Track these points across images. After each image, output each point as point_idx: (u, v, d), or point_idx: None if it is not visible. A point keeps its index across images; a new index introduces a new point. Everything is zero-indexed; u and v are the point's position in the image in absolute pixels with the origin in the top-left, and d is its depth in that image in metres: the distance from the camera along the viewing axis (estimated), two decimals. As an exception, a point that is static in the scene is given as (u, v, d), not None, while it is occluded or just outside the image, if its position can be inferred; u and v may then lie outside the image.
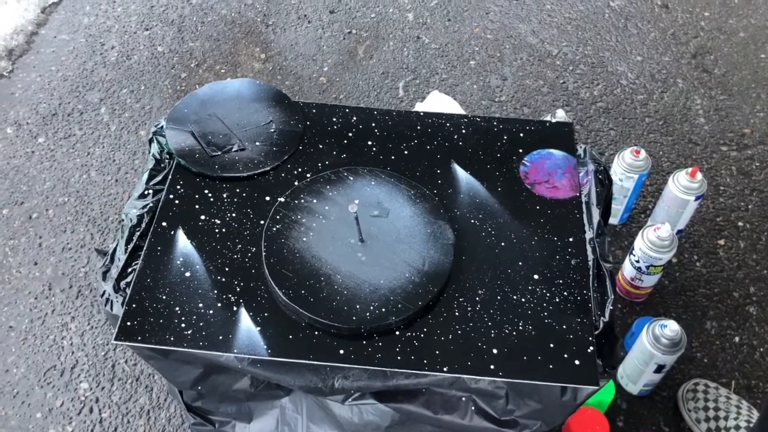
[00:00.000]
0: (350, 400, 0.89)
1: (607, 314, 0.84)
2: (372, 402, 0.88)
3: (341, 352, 0.83)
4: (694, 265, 1.58)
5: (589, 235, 0.92)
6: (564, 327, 0.83)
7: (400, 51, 2.07)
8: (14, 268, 1.61)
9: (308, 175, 1.00)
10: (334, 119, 1.08)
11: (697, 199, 1.47)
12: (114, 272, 0.88)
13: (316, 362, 0.83)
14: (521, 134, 1.07)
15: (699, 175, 1.46)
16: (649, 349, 1.26)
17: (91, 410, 1.40)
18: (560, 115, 1.49)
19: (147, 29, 2.17)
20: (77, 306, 1.55)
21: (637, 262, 1.42)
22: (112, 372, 1.44)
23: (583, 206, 0.95)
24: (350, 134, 1.06)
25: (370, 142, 1.05)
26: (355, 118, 1.08)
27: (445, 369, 0.80)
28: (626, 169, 1.53)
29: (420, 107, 1.78)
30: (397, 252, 0.91)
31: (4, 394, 1.42)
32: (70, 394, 1.42)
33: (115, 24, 2.18)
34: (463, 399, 0.87)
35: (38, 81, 2.02)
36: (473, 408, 0.87)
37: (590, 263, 0.89)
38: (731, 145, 1.81)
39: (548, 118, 1.49)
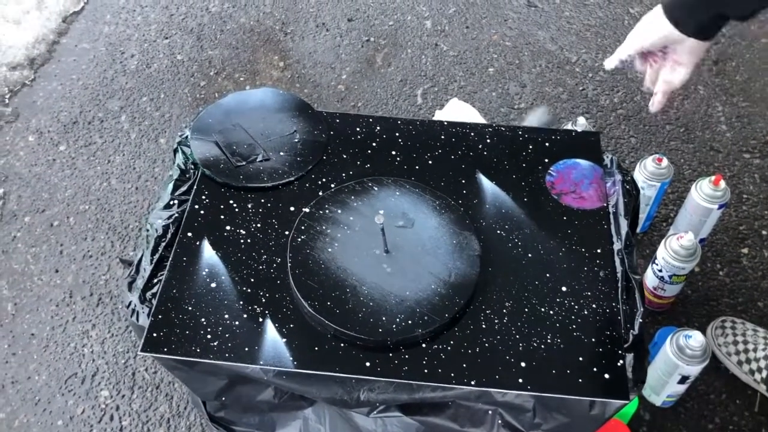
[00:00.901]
0: (375, 412, 0.88)
1: (636, 327, 0.82)
2: (397, 415, 0.88)
3: (367, 364, 0.82)
4: (717, 274, 1.56)
5: (617, 246, 0.91)
6: (593, 340, 0.82)
7: (419, 58, 2.07)
8: (36, 276, 1.62)
9: (332, 186, 1.00)
10: (358, 129, 1.08)
11: (720, 207, 1.46)
12: (140, 283, 0.89)
13: (342, 374, 0.82)
14: (547, 144, 1.06)
15: (722, 183, 1.44)
16: (673, 360, 1.24)
17: (111, 418, 1.40)
18: (581, 123, 1.48)
19: (166, 38, 2.18)
20: (98, 314, 1.55)
21: (660, 271, 1.41)
22: (132, 380, 1.45)
23: (611, 217, 0.94)
24: (374, 144, 1.06)
25: (394, 152, 1.05)
26: (378, 128, 1.08)
27: (472, 382, 0.80)
28: (648, 177, 1.52)
29: (439, 115, 1.78)
30: (422, 263, 0.90)
31: (26, 402, 1.42)
32: (90, 401, 1.42)
33: (135, 33, 2.20)
34: (490, 412, 0.86)
35: (59, 89, 2.04)
36: (500, 421, 0.86)
37: (619, 275, 0.88)
38: (754, 153, 1.79)
39: (569, 125, 1.48)
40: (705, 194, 1.45)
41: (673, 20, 0.92)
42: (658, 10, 0.94)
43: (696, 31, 0.93)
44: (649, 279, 1.45)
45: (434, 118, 1.69)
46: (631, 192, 0.96)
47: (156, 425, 1.38)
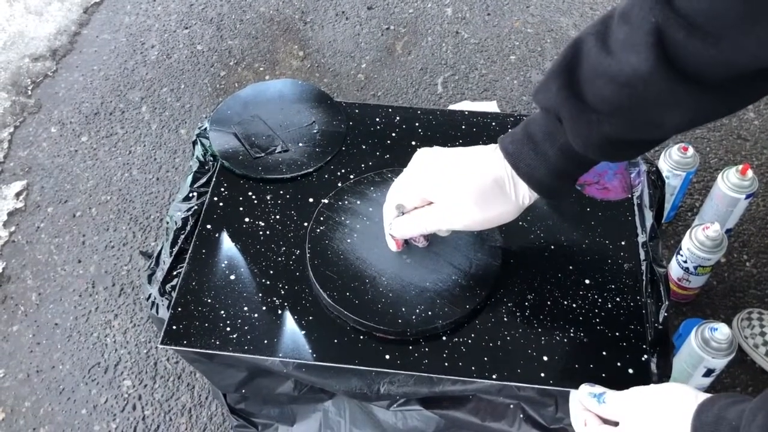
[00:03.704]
0: (395, 405, 0.87)
1: (661, 321, 0.81)
2: (417, 408, 0.87)
3: (387, 357, 0.81)
4: (743, 265, 1.54)
5: (641, 238, 0.89)
6: (617, 334, 0.81)
7: (439, 46, 2.05)
8: (59, 266, 1.63)
9: (351, 176, 0.99)
10: (377, 119, 1.07)
11: (747, 197, 1.43)
12: (159, 275, 0.88)
13: (361, 367, 0.81)
14: (569, 134, 1.04)
15: (750, 173, 1.41)
16: (698, 352, 1.22)
17: (134, 407, 1.41)
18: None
19: (186, 28, 2.18)
20: (120, 304, 1.56)
21: (685, 262, 1.39)
22: (154, 370, 1.46)
23: (636, 208, 0.92)
24: (393, 134, 1.05)
25: (414, 142, 1.03)
26: (398, 118, 1.07)
27: (494, 376, 0.78)
28: (673, 166, 1.49)
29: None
30: (442, 254, 0.89)
31: (50, 390, 1.44)
32: (113, 391, 1.43)
33: (155, 23, 2.20)
34: (511, 406, 0.85)
35: (81, 80, 2.05)
36: (522, 416, 0.85)
37: (643, 268, 0.86)
38: (783, 141, 1.75)
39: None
40: (732, 184, 1.42)
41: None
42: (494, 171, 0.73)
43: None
44: (674, 270, 1.43)
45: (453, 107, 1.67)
46: (657, 183, 0.94)
47: (178, 414, 1.39)
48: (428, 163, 0.77)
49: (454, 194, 0.74)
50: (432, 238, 0.90)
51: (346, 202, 0.95)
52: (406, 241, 0.89)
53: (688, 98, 0.59)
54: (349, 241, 0.91)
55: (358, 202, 0.95)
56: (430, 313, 0.83)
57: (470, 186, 0.73)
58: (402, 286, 0.86)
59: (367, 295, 0.86)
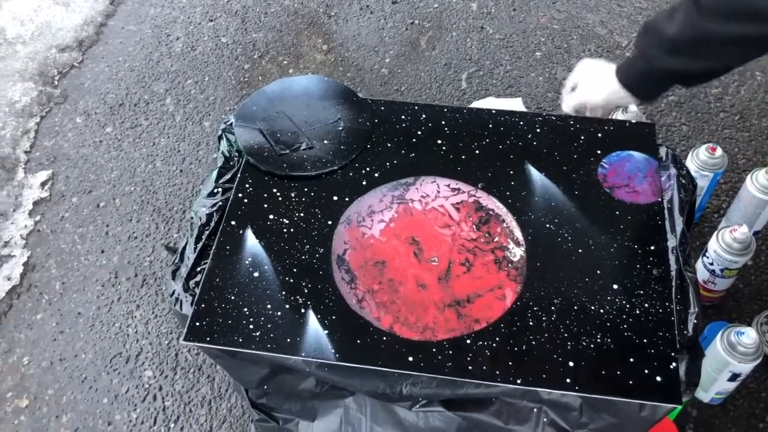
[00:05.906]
0: (417, 406, 0.87)
1: (690, 328, 0.79)
2: (440, 409, 0.87)
3: (410, 359, 0.81)
4: (771, 268, 1.51)
5: (671, 243, 0.88)
6: (645, 341, 0.79)
7: (464, 42, 2.03)
8: (83, 256, 1.65)
9: (377, 175, 0.99)
10: (403, 117, 1.06)
11: (777, 199, 1.40)
12: (183, 271, 0.89)
13: (384, 369, 0.81)
14: (599, 134, 1.03)
15: (780, 175, 1.39)
16: (724, 356, 1.20)
17: (154, 398, 1.42)
18: (632, 110, 1.44)
19: (211, 20, 2.18)
20: (142, 294, 1.57)
21: (711, 264, 1.36)
22: (175, 361, 1.47)
23: (666, 212, 0.91)
24: (419, 132, 1.04)
25: (439, 141, 1.02)
26: (424, 116, 1.06)
27: (518, 381, 0.78)
28: (700, 167, 1.47)
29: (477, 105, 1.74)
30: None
31: (73, 379, 1.45)
32: (135, 381, 1.44)
33: (181, 15, 2.21)
34: (535, 410, 0.85)
35: (106, 71, 2.06)
36: (545, 419, 0.84)
37: (673, 273, 0.85)
38: (814, 143, 1.72)
39: (619, 113, 1.43)
40: (761, 185, 1.40)
41: (630, 89, 1.04)
42: (611, 76, 1.05)
43: (649, 99, 1.09)
44: (700, 272, 1.41)
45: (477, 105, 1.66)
46: (687, 186, 0.92)
47: (198, 406, 1.40)
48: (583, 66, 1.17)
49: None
50: None
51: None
52: None
53: None
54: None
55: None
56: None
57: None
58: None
59: None
